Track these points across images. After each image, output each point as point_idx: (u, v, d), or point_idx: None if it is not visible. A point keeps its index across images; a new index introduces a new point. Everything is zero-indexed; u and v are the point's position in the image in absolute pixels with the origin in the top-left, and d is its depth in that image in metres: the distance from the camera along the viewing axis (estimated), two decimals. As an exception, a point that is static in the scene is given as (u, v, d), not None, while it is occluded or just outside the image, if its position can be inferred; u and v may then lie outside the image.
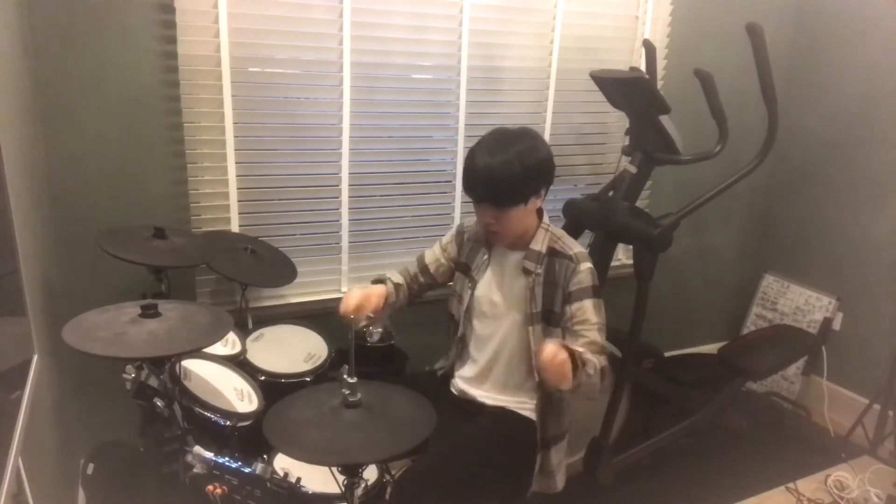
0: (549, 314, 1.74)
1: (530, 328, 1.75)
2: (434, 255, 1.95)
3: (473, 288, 1.85)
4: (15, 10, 1.67)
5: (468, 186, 1.70)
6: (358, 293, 1.74)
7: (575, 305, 1.70)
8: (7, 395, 1.23)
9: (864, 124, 2.91)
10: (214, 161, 2.17)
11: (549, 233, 1.78)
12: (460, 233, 1.94)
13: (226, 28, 2.06)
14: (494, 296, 1.82)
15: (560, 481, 1.85)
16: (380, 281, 1.89)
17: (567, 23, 2.61)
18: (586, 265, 1.71)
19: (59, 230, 2.00)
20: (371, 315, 1.75)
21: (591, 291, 1.71)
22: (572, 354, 1.52)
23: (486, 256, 1.85)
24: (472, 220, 1.92)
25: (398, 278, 1.94)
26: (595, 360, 1.61)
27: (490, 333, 1.83)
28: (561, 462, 1.85)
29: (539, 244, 1.76)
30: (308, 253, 2.42)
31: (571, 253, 1.73)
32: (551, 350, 1.48)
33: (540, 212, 1.79)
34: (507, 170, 1.62)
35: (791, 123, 3.06)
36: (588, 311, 1.69)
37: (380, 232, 2.52)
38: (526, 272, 1.76)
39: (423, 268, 1.95)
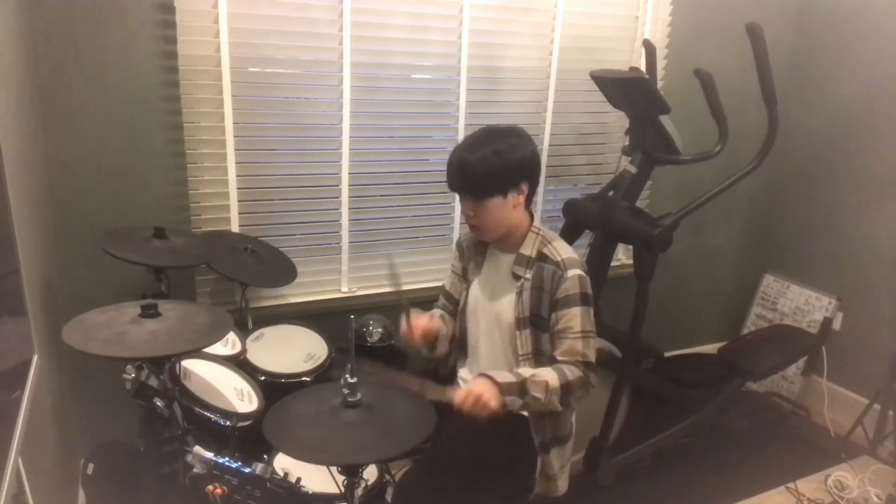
0: (537, 319, 1.73)
1: (518, 332, 1.75)
2: (450, 280, 1.96)
3: (467, 289, 1.86)
4: (15, 10, 1.67)
5: (447, 177, 1.71)
6: (423, 319, 1.75)
7: (560, 312, 1.69)
8: (7, 395, 1.23)
9: (864, 124, 2.91)
10: (214, 161, 2.18)
11: (539, 236, 1.76)
12: (459, 244, 1.96)
13: (226, 28, 2.06)
14: (486, 297, 1.82)
15: (563, 485, 1.84)
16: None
17: (567, 23, 2.61)
18: (574, 272, 1.69)
19: (59, 230, 2.01)
20: (438, 336, 1.79)
21: (577, 299, 1.68)
22: (503, 384, 1.55)
23: (480, 258, 1.86)
24: (467, 229, 1.93)
25: (439, 312, 1.94)
26: (548, 380, 1.60)
27: (484, 334, 1.83)
28: (563, 467, 1.84)
29: (529, 248, 1.75)
30: (308, 253, 2.42)
31: (559, 259, 1.71)
32: (459, 396, 1.52)
33: (531, 215, 1.78)
34: (483, 162, 1.63)
35: (791, 123, 3.06)
36: (572, 319, 1.68)
37: (380, 232, 2.52)
38: (515, 276, 1.75)
39: (448, 295, 1.96)
